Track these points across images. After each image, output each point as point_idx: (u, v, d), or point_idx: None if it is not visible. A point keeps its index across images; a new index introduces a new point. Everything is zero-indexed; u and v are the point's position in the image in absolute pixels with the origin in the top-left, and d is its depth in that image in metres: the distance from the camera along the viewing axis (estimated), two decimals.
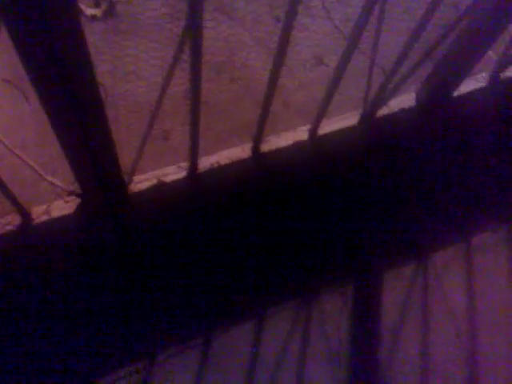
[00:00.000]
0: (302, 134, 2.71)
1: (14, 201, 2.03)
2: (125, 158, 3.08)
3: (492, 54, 3.72)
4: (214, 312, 2.74)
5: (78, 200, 2.27)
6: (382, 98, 2.64)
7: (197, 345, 2.65)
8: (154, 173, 2.43)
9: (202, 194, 2.64)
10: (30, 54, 1.25)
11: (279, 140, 2.65)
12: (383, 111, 2.87)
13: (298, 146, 2.69)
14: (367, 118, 2.79)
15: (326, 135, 2.73)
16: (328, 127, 2.74)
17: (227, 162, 2.52)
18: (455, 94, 3.05)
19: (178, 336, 2.65)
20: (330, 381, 2.66)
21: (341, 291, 2.93)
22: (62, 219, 2.27)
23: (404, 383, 2.72)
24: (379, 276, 3.01)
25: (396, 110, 2.90)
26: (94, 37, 3.50)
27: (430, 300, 3.00)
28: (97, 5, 3.58)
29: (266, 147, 2.62)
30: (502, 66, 3.06)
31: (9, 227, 2.19)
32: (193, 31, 1.51)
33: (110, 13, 3.58)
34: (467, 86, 3.12)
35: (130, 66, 3.51)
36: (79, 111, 1.45)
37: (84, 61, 1.31)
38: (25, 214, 2.19)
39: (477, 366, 2.84)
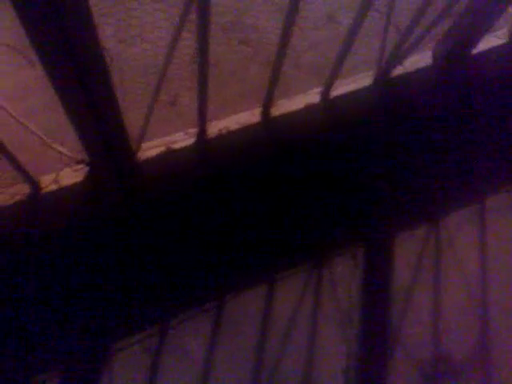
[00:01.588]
0: (313, 96, 2.62)
1: (22, 170, 2.01)
2: (133, 124, 3.03)
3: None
4: (226, 276, 2.75)
5: (87, 168, 2.24)
6: (396, 58, 2.53)
7: (209, 309, 2.68)
8: (162, 140, 2.38)
9: (211, 160, 2.59)
10: (30, 17, 1.19)
11: (290, 103, 2.57)
12: (398, 71, 2.76)
13: (309, 110, 2.61)
14: (382, 78, 2.68)
15: (338, 97, 2.64)
16: (341, 89, 2.64)
17: (236, 127, 2.45)
18: (474, 51, 2.92)
19: (189, 301, 2.67)
20: (341, 341, 2.68)
21: (352, 253, 2.91)
22: (70, 188, 2.25)
23: (415, 344, 2.74)
24: (390, 238, 2.99)
25: (412, 69, 2.79)
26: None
27: (442, 262, 2.97)
28: None
29: (276, 111, 2.55)
30: None
31: (18, 197, 2.18)
32: None
33: None
34: (487, 43, 2.97)
35: (135, 28, 3.41)
36: (83, 76, 1.40)
37: (86, 22, 1.25)
38: (33, 183, 2.17)
39: (488, 328, 2.84)
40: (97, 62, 1.42)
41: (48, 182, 2.23)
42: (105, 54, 1.43)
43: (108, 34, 3.34)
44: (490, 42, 2.98)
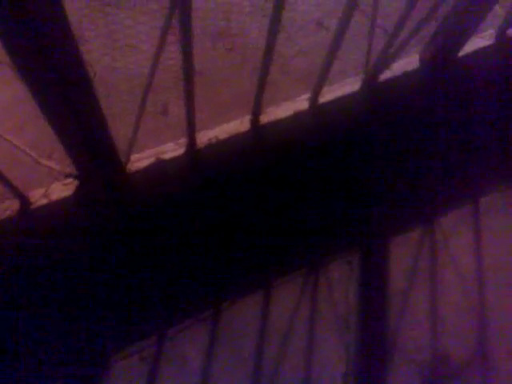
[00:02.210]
0: (302, 103, 2.62)
1: (11, 186, 2.00)
2: (123, 135, 3.02)
3: (499, 9, 3.56)
4: (222, 284, 2.74)
5: (76, 182, 2.23)
6: (384, 62, 2.53)
7: (206, 318, 2.67)
8: (152, 150, 2.37)
9: (202, 169, 2.59)
10: (7, 31, 1.18)
11: (279, 111, 2.57)
12: (386, 75, 2.77)
13: (298, 116, 2.61)
14: (369, 83, 2.69)
15: (327, 103, 2.65)
16: (329, 95, 2.65)
17: (226, 136, 2.45)
18: (460, 53, 2.93)
19: (186, 310, 2.66)
20: (339, 346, 2.67)
21: (348, 259, 2.91)
22: (61, 202, 2.24)
23: (413, 347, 2.73)
24: (385, 241, 2.99)
25: (399, 73, 2.80)
26: (85, 10, 3.39)
27: (437, 263, 2.98)
28: None
29: (265, 119, 2.54)
30: (509, 21, 2.92)
31: (8, 212, 2.17)
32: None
33: None
34: (473, 45, 2.99)
35: (123, 39, 3.41)
36: (65, 89, 1.39)
37: (64, 34, 1.24)
38: (23, 198, 2.16)
39: (486, 326, 2.84)
40: (79, 75, 1.42)
41: (37, 197, 2.22)
42: (87, 65, 1.43)
43: (95, 45, 3.34)
44: (476, 43, 2.99)
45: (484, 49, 3.01)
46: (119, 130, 3.04)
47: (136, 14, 3.46)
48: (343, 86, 2.68)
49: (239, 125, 2.49)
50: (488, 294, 2.92)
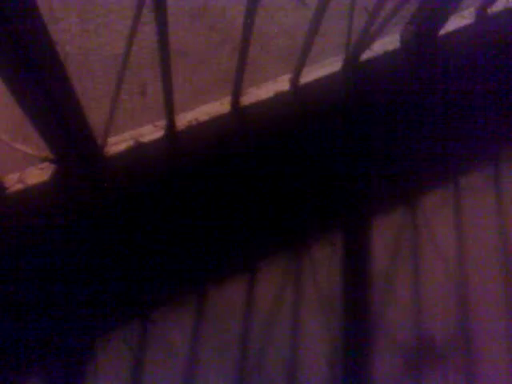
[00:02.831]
0: (283, 83, 2.59)
1: None
2: (101, 118, 2.95)
3: None
4: (205, 268, 2.74)
5: (53, 166, 2.17)
6: (365, 41, 2.51)
7: (190, 301, 2.66)
8: (130, 133, 2.32)
9: (182, 152, 2.55)
10: None
11: (259, 92, 2.53)
12: (367, 55, 2.75)
13: (279, 97, 2.58)
14: (350, 62, 2.67)
15: (308, 84, 2.62)
16: (310, 75, 2.62)
17: (206, 118, 2.41)
18: (441, 32, 2.92)
19: (170, 294, 2.65)
20: (323, 328, 2.70)
21: (330, 240, 2.92)
22: (37, 186, 2.18)
23: (397, 329, 2.78)
24: (367, 222, 3.00)
25: (380, 52, 2.78)
26: None
27: (419, 243, 3.00)
28: None
29: (246, 100, 2.51)
30: (489, 0, 2.92)
31: None
32: None
33: None
34: (454, 24, 2.98)
35: (100, 17, 3.30)
36: (35, 73, 1.34)
37: (29, 10, 1.18)
38: None
39: (467, 305, 2.90)
40: (49, 55, 1.36)
41: (13, 182, 2.17)
42: (58, 45, 1.37)
43: (72, 24, 3.23)
44: (456, 22, 2.98)
45: (465, 27, 3.01)
46: (95, 113, 2.96)
47: None
48: (324, 66, 2.66)
49: (219, 106, 2.45)
50: (470, 275, 2.97)
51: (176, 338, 2.58)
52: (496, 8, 3.05)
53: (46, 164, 2.18)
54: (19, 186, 2.17)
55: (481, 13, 3.00)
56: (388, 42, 2.81)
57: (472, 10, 3.05)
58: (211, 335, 2.60)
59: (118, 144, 2.26)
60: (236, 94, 2.42)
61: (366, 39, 2.49)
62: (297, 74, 2.51)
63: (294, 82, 2.56)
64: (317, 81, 2.63)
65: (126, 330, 2.56)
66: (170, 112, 2.21)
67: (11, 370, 2.42)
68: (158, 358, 2.54)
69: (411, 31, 2.76)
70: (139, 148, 2.31)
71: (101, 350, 2.51)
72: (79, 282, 2.61)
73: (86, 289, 2.60)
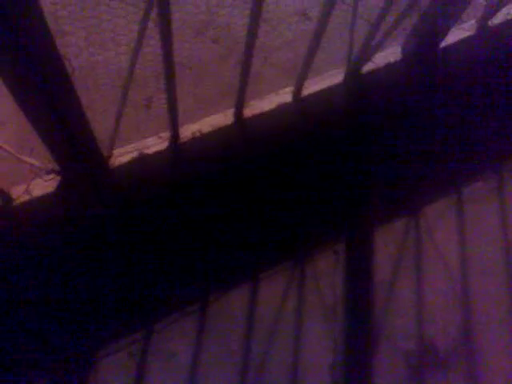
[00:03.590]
0: (285, 96, 2.62)
1: None
2: (105, 130, 2.99)
3: None
4: (208, 277, 2.75)
5: (59, 178, 2.20)
6: (366, 53, 2.54)
7: (193, 311, 2.67)
8: (135, 145, 2.35)
9: (186, 163, 2.57)
10: None
11: (262, 103, 2.56)
12: (368, 67, 2.78)
13: (282, 109, 2.61)
14: (352, 74, 2.70)
15: (310, 95, 2.64)
16: (312, 87, 2.65)
17: (209, 129, 2.44)
18: (442, 44, 2.95)
19: (173, 304, 2.66)
20: (326, 336, 2.70)
21: (333, 249, 2.93)
22: (43, 198, 2.21)
23: (399, 336, 2.77)
24: (371, 231, 3.01)
25: (382, 64, 2.80)
26: (63, 3, 3.33)
27: (422, 251, 3.01)
28: None
29: (249, 112, 2.54)
30: (490, 12, 2.94)
31: None
32: None
33: None
34: (454, 36, 3.01)
35: (107, 32, 3.36)
36: (43, 87, 1.37)
37: (41, 29, 1.22)
38: (4, 195, 2.13)
39: (470, 313, 2.88)
40: (57, 70, 1.40)
41: (19, 193, 2.19)
42: (66, 60, 1.41)
43: (80, 38, 3.29)
44: (457, 34, 3.01)
45: (465, 40, 3.03)
46: (101, 125, 3.00)
47: (126, 7, 3.40)
48: (326, 78, 2.68)
49: (223, 118, 2.48)
50: (472, 282, 2.96)
51: (179, 348, 2.58)
52: (496, 20, 3.07)
53: (52, 176, 2.21)
54: (26, 197, 2.20)
55: (481, 25, 3.02)
56: (389, 54, 2.84)
57: (473, 22, 3.08)
58: (213, 344, 2.60)
59: (123, 156, 2.29)
60: (239, 106, 2.45)
61: (368, 51, 2.52)
62: (299, 86, 2.54)
63: (296, 94, 2.59)
64: (319, 93, 2.65)
65: (130, 340, 2.56)
66: (174, 124, 2.24)
67: (11, 372, 2.43)
68: (160, 367, 2.53)
69: (412, 43, 2.79)
70: (144, 159, 2.34)
71: (104, 361, 2.51)
72: (82, 292, 2.62)
73: (89, 298, 2.62)
